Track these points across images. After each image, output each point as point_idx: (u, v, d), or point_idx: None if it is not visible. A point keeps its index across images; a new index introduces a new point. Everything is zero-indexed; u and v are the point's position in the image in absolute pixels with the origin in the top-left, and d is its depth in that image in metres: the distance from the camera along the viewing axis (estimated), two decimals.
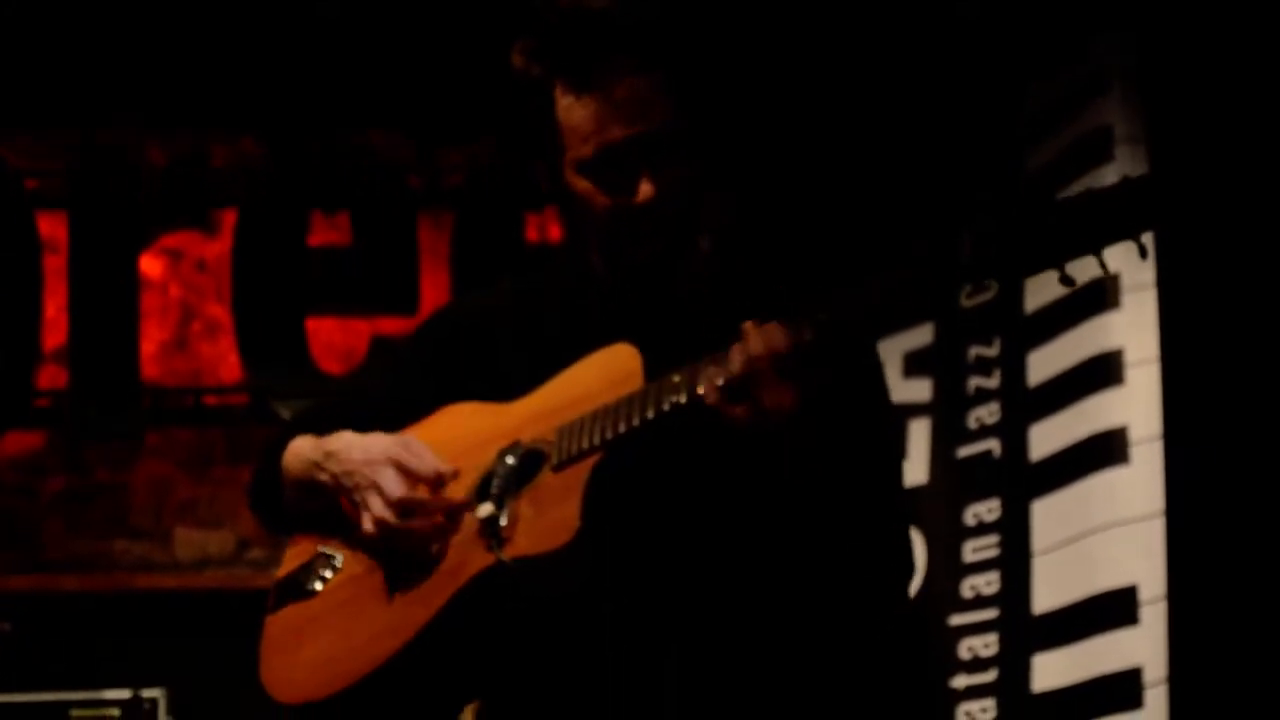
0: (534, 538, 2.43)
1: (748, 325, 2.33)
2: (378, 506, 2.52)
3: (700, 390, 2.33)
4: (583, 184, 2.51)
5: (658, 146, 2.46)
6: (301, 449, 2.67)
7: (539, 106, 2.50)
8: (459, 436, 2.60)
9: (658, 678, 2.45)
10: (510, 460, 2.51)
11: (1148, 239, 2.14)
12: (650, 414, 2.38)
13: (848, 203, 5.15)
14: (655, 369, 2.44)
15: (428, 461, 2.56)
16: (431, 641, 2.48)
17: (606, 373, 2.49)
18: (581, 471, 2.43)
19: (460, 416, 2.65)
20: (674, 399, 2.36)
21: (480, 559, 2.46)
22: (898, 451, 2.82)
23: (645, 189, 2.47)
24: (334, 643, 2.57)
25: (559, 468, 2.46)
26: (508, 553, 2.43)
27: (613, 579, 2.46)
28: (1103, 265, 2.18)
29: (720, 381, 2.31)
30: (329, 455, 2.61)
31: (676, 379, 2.38)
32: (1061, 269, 2.19)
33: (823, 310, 2.29)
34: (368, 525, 2.53)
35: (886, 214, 5.00)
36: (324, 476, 2.61)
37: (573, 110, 2.48)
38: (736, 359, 2.31)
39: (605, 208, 2.51)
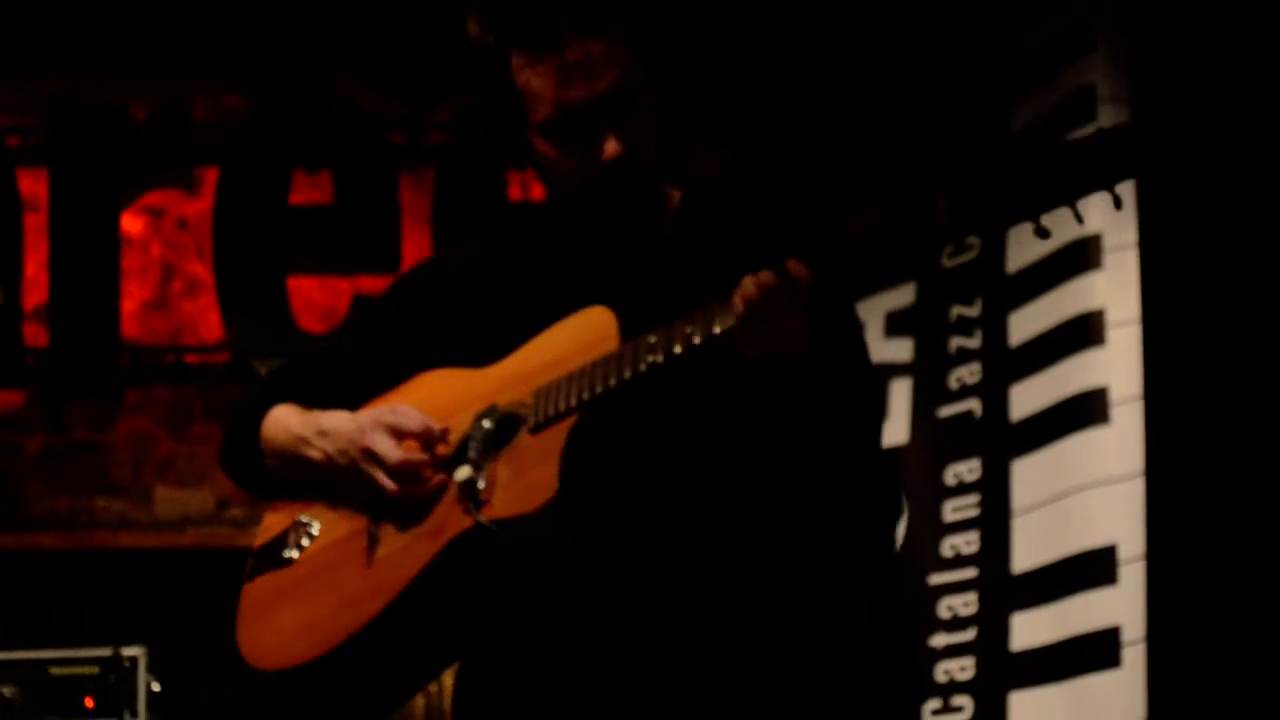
0: (512, 500, 2.43)
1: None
2: (382, 476, 2.53)
3: (715, 329, 2.34)
4: (547, 147, 2.52)
5: (617, 105, 2.47)
6: (288, 422, 2.66)
7: (498, 74, 2.51)
8: (435, 402, 2.59)
9: (638, 637, 2.45)
10: (487, 424, 2.51)
11: (1123, 190, 2.15)
12: (627, 374, 2.39)
13: (831, 158, 5.13)
14: (631, 330, 2.44)
15: (415, 419, 2.55)
16: (410, 605, 2.47)
17: (582, 335, 2.49)
18: (559, 433, 2.43)
19: (435, 383, 2.64)
20: (651, 359, 2.37)
21: (459, 522, 2.45)
22: (881, 407, 2.80)
23: (611, 146, 2.47)
24: (312, 608, 2.56)
25: (536, 430, 2.46)
26: (486, 515, 2.42)
27: (592, 540, 2.45)
28: (1078, 216, 2.18)
29: (744, 303, 2.31)
30: (321, 433, 2.60)
31: (653, 339, 2.38)
32: (1037, 221, 2.20)
33: (819, 255, 2.31)
34: (386, 491, 2.53)
35: (870, 169, 4.98)
36: (314, 453, 2.60)
37: (529, 77, 2.49)
38: (749, 286, 2.31)
39: (573, 169, 2.52)
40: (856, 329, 2.62)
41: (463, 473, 2.48)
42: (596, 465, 2.44)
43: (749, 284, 2.31)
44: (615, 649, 2.46)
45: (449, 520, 2.47)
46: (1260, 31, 4.11)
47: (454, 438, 2.55)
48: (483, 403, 2.54)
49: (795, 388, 2.36)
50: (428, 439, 2.54)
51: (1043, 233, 2.19)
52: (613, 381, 2.40)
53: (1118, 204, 2.18)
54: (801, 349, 2.32)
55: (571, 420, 2.43)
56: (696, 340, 2.34)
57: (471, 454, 2.49)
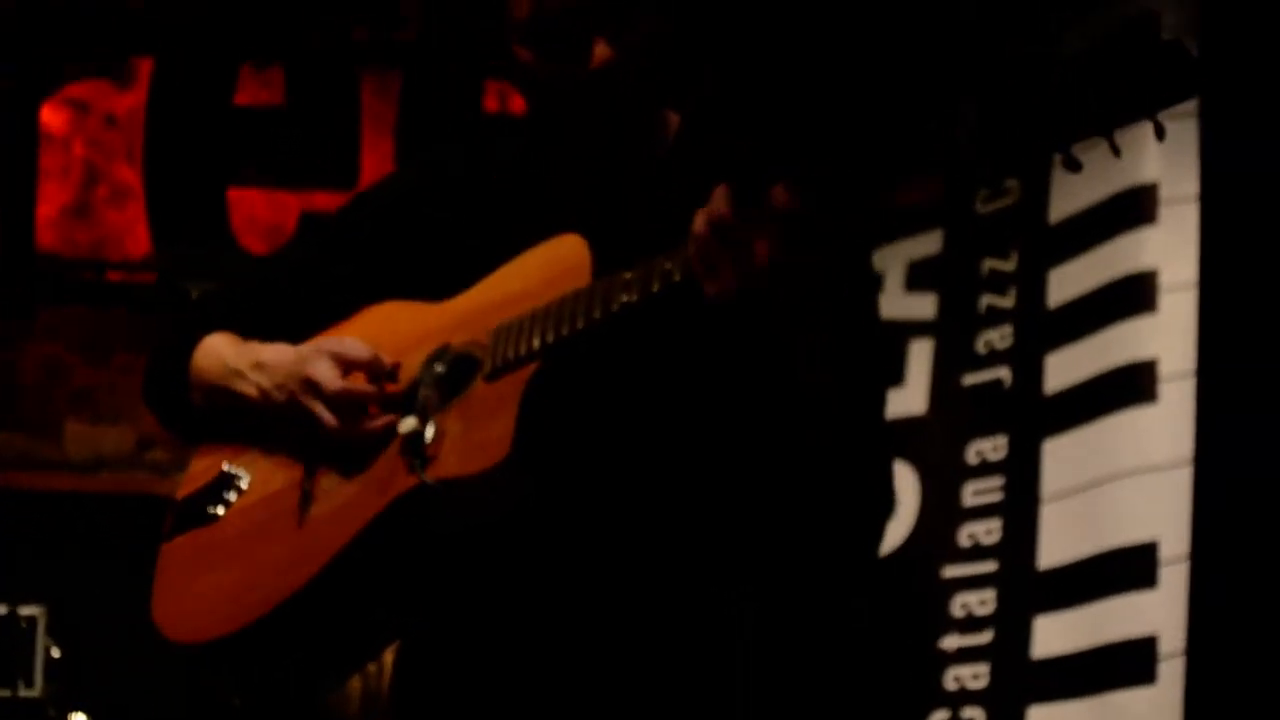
0: (462, 457, 2.31)
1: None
2: (321, 409, 2.42)
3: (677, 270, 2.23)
4: (528, 54, 2.44)
5: (608, 6, 2.40)
6: (221, 351, 2.55)
7: None
8: (384, 339, 2.48)
9: (596, 613, 2.35)
10: (439, 367, 2.39)
11: (1177, 127, 1.96)
12: (597, 315, 2.27)
13: (841, 81, 4.93)
14: (608, 264, 2.32)
15: (362, 349, 2.46)
16: (344, 573, 2.37)
17: (550, 268, 2.38)
18: (517, 382, 2.30)
19: (385, 316, 2.52)
20: (625, 299, 2.25)
21: (402, 480, 2.34)
22: (886, 373, 2.75)
23: (601, 51, 2.39)
24: (236, 574, 2.48)
25: (492, 377, 2.33)
26: (432, 473, 2.31)
27: (549, 506, 2.33)
28: (1114, 148, 2.01)
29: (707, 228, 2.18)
30: (258, 366, 2.50)
31: (628, 276, 2.26)
32: (1066, 151, 2.03)
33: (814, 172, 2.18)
34: (325, 427, 2.43)
35: (884, 97, 4.75)
36: (248, 389, 2.49)
37: None
38: (698, 217, 2.19)
39: (557, 78, 2.44)
40: (867, 284, 2.51)
41: (408, 424, 2.36)
42: (557, 422, 2.32)
43: (699, 215, 2.20)
44: (570, 627, 2.36)
45: (390, 478, 2.37)
46: None
47: (403, 380, 2.45)
48: (436, 341, 2.44)
49: (785, 341, 2.27)
50: (375, 371, 2.44)
51: (1073, 164, 2.02)
52: (580, 323, 2.29)
53: (1159, 134, 1.99)
54: (784, 295, 2.22)
55: (532, 368, 2.31)
56: (677, 278, 2.22)
57: (420, 402, 2.38)
